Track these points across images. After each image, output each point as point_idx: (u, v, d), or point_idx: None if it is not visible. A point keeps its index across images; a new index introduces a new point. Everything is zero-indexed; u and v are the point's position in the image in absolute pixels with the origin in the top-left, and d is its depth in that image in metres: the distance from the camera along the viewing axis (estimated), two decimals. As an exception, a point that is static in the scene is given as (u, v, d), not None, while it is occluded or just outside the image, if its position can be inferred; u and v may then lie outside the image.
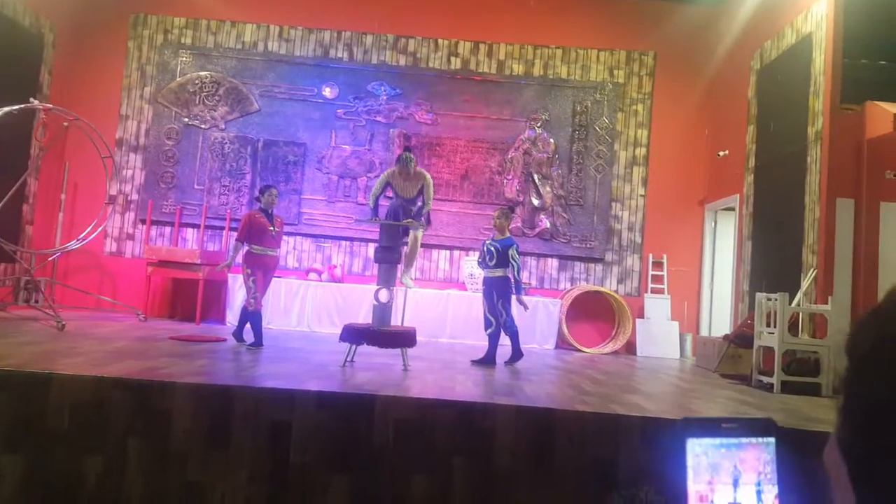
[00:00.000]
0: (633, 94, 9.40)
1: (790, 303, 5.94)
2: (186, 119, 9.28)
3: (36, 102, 7.44)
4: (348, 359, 5.23)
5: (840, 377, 0.55)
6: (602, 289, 8.95)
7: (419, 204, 6.15)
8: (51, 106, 7.81)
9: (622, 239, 9.25)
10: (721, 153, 8.77)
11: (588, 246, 9.19)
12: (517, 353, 6.16)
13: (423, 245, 7.71)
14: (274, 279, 6.73)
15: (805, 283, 6.40)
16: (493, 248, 6.25)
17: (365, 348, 5.36)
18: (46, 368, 3.81)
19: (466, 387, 4.59)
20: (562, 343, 8.59)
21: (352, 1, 9.45)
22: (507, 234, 6.43)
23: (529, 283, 8.72)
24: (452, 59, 9.43)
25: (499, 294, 6.19)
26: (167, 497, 3.56)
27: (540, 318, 8.37)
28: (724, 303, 8.62)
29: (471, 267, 8.38)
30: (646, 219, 9.27)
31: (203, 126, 9.28)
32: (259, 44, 9.43)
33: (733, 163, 8.43)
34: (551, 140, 9.30)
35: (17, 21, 8.18)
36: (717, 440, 0.73)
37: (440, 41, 9.44)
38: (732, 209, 8.57)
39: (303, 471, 3.58)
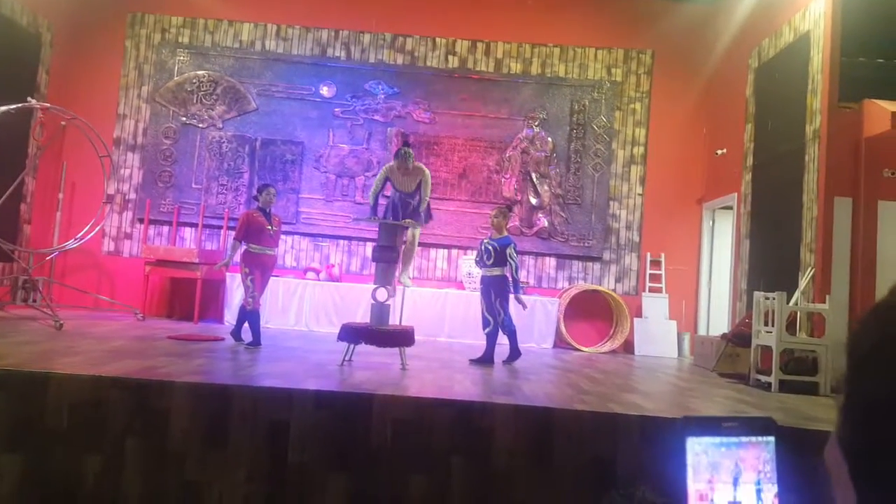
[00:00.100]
0: (631, 92, 9.40)
1: (788, 302, 5.95)
2: (184, 118, 9.26)
3: (33, 102, 7.42)
4: (346, 358, 5.22)
5: (841, 376, 0.54)
6: (600, 288, 8.96)
7: (418, 198, 6.14)
8: (48, 105, 7.79)
9: (620, 238, 9.25)
10: (719, 152, 8.77)
11: (586, 245, 9.19)
12: (515, 353, 6.16)
13: (421, 244, 7.71)
14: (272, 278, 6.72)
15: (803, 282, 6.40)
16: (490, 247, 6.25)
17: (363, 347, 5.35)
18: (44, 368, 3.80)
19: (465, 386, 4.59)
20: (560, 342, 8.60)
21: (349, 0, 9.45)
22: (505, 233, 6.43)
23: (527, 282, 8.73)
24: (450, 57, 9.43)
25: (497, 293, 6.19)
26: (165, 496, 3.55)
27: (538, 317, 8.37)
28: (721, 302, 8.63)
29: (469, 266, 8.38)
30: (644, 218, 9.27)
31: (201, 125, 9.27)
32: (256, 43, 9.42)
33: (731, 161, 8.44)
34: (549, 139, 9.29)
35: (14, 20, 8.16)
36: (717, 439, 0.73)
37: (438, 40, 9.43)
38: (730, 208, 8.57)
39: (301, 470, 3.57)
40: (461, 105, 9.30)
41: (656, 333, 8.73)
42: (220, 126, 9.27)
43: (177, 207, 9.08)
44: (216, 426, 3.62)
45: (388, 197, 6.33)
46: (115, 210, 9.10)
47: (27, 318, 6.77)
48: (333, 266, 8.91)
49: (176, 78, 9.32)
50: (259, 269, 6.20)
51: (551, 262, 9.21)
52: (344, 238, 9.15)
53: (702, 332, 8.75)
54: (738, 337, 6.57)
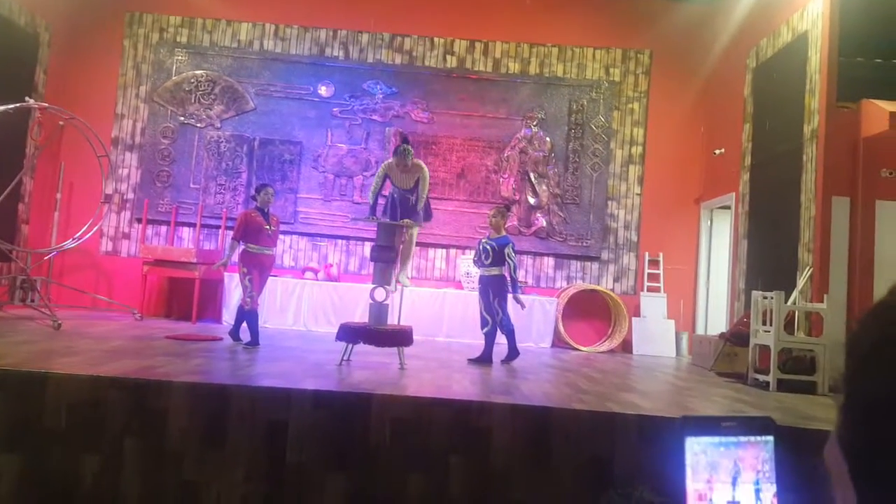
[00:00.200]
0: (630, 92, 9.40)
1: (786, 301, 5.96)
2: (182, 118, 9.25)
3: (31, 101, 7.40)
4: (345, 358, 5.22)
5: (841, 375, 0.54)
6: (598, 287, 8.96)
7: (417, 195, 6.13)
8: (46, 105, 7.78)
9: (618, 237, 9.26)
10: (717, 151, 8.78)
11: (584, 244, 9.20)
12: (513, 352, 6.16)
13: (419, 244, 7.70)
14: (270, 278, 6.71)
15: (801, 282, 6.41)
16: (489, 247, 6.25)
17: (361, 347, 5.35)
18: (43, 368, 3.79)
19: (463, 385, 4.59)
20: (558, 341, 8.60)
21: (347, 0, 9.45)
22: (504, 233, 6.43)
23: (526, 282, 8.73)
24: (448, 57, 9.43)
25: (495, 293, 6.19)
26: (163, 496, 3.55)
27: (536, 316, 8.37)
28: (720, 301, 8.64)
29: (467, 266, 8.38)
30: (642, 217, 9.28)
31: (199, 125, 9.26)
32: (255, 42, 9.41)
33: (729, 161, 8.45)
34: (547, 139, 9.30)
35: (12, 20, 8.15)
36: (716, 439, 0.73)
37: (436, 39, 9.43)
38: (728, 207, 8.58)
39: (299, 470, 3.57)
40: (459, 105, 9.30)
41: (654, 333, 8.73)
42: (219, 126, 9.26)
43: (175, 207, 9.07)
44: (214, 426, 3.62)
45: (386, 196, 6.32)
46: (113, 210, 9.09)
47: (25, 318, 6.76)
48: (332, 266, 8.91)
49: (174, 77, 9.31)
50: (257, 268, 6.20)
51: (549, 261, 9.21)
52: (342, 238, 9.15)
53: (700, 331, 8.76)
54: (737, 336, 6.58)
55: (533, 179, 9.25)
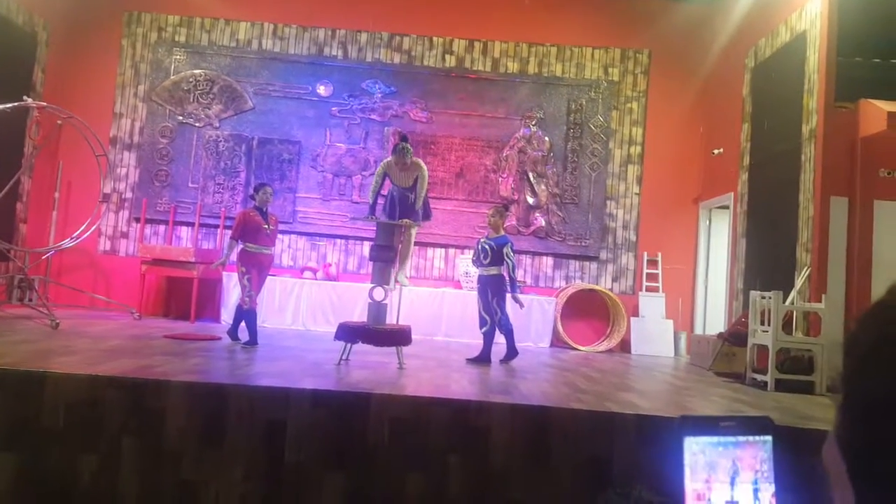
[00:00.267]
0: (628, 92, 9.41)
1: (784, 301, 5.96)
2: (180, 117, 9.24)
3: (29, 101, 7.39)
4: (343, 357, 5.22)
5: (839, 375, 0.54)
6: (597, 287, 8.97)
7: (416, 194, 6.12)
8: (44, 104, 7.77)
9: (617, 237, 9.26)
10: (715, 151, 8.79)
11: (583, 244, 9.20)
12: (512, 352, 6.16)
13: (417, 243, 7.70)
14: (269, 277, 6.71)
15: (799, 282, 6.42)
16: (487, 247, 6.25)
17: (360, 347, 5.35)
18: (41, 367, 3.79)
19: (461, 385, 4.59)
20: (557, 341, 8.60)
21: (347, -2, 9.44)
22: (502, 233, 6.43)
23: (524, 282, 8.73)
24: (447, 56, 9.42)
25: (493, 292, 6.19)
26: (161, 496, 3.55)
27: (535, 316, 8.37)
28: (718, 301, 8.65)
29: (466, 265, 8.38)
30: (640, 217, 9.28)
31: (197, 124, 9.25)
32: (253, 42, 9.40)
33: (728, 161, 8.46)
34: (546, 138, 9.30)
35: (10, 19, 8.13)
36: (715, 438, 0.73)
37: (435, 39, 9.43)
38: (727, 207, 8.59)
39: (298, 469, 3.57)
40: (458, 104, 9.30)
41: (653, 332, 8.74)
42: (217, 125, 9.25)
43: (173, 206, 9.06)
44: (213, 425, 3.61)
45: (384, 196, 6.32)
46: (112, 209, 9.08)
47: (23, 318, 6.75)
48: (330, 265, 8.90)
49: (172, 77, 9.30)
50: (256, 268, 6.19)
51: (548, 261, 9.21)
52: (341, 237, 9.15)
53: (698, 331, 8.77)
54: (735, 336, 6.58)
55: (532, 179, 9.25)
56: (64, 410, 3.59)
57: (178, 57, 9.33)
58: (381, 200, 6.29)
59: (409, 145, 6.06)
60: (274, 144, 9.22)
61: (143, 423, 3.60)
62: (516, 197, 9.22)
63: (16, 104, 7.03)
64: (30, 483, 3.52)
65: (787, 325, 6.03)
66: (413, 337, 5.58)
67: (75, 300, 8.41)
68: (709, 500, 0.72)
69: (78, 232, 8.06)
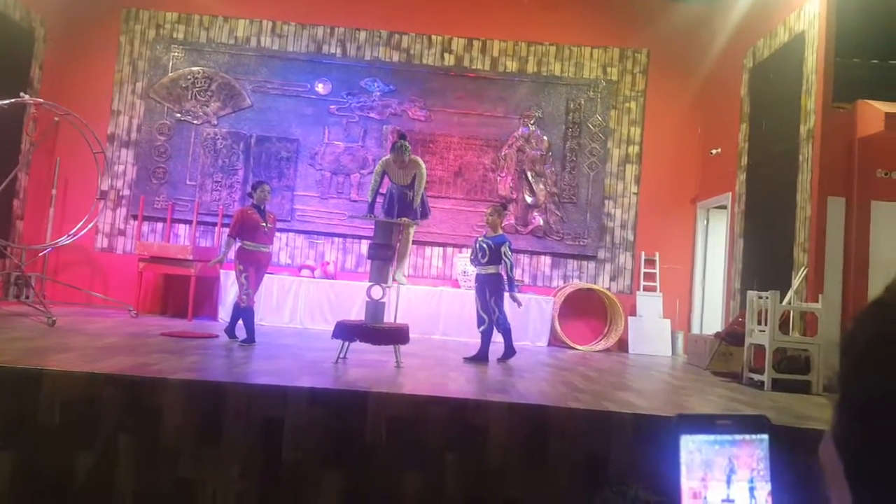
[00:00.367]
0: (627, 91, 9.41)
1: (781, 301, 5.97)
2: (178, 114, 9.22)
3: (26, 97, 7.37)
4: (341, 355, 5.22)
5: (836, 373, 0.55)
6: (594, 286, 8.97)
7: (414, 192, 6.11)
8: (42, 101, 7.74)
9: (615, 237, 9.27)
10: (713, 151, 8.80)
11: (581, 243, 9.21)
12: (510, 351, 6.16)
13: (415, 242, 7.70)
14: (266, 275, 6.70)
15: (796, 282, 6.43)
16: (485, 246, 6.25)
17: (358, 345, 5.35)
18: (37, 364, 3.78)
19: (459, 384, 4.59)
20: (554, 340, 8.61)
21: (345, -4, 9.42)
22: (500, 232, 6.43)
23: (522, 281, 8.73)
24: (446, 55, 9.42)
25: (491, 291, 6.19)
26: (158, 494, 3.54)
27: (533, 315, 8.38)
28: (715, 301, 8.66)
29: (464, 264, 8.38)
30: (638, 216, 9.29)
31: (195, 122, 9.23)
32: (252, 39, 9.38)
33: (726, 161, 8.47)
34: (545, 137, 9.30)
35: (7, 15, 8.11)
36: (711, 437, 0.73)
37: (434, 37, 9.42)
38: (724, 207, 8.60)
39: (295, 467, 3.57)
40: (457, 103, 9.30)
41: (650, 332, 8.75)
42: (215, 123, 9.23)
43: (171, 204, 9.05)
44: (210, 423, 3.61)
45: (383, 194, 6.31)
46: (109, 206, 9.06)
47: (19, 315, 6.73)
48: (328, 263, 8.90)
49: (170, 74, 9.28)
50: (253, 266, 6.19)
51: (546, 260, 9.22)
52: (339, 235, 9.14)
53: (695, 330, 8.78)
54: (732, 336, 6.59)
55: (530, 178, 9.25)
56: (60, 408, 3.58)
57: (176, 54, 9.31)
58: (379, 199, 6.28)
59: (407, 143, 6.05)
60: (272, 142, 9.21)
61: (140, 421, 3.59)
62: (514, 196, 9.22)
63: (13, 101, 7.01)
64: (26, 481, 3.51)
65: (783, 325, 6.04)
66: (411, 336, 5.58)
67: (72, 297, 8.39)
68: (705, 498, 0.72)
69: (75, 229, 8.04)
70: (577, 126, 9.33)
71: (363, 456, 3.58)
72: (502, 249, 6.19)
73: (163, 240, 8.94)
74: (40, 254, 8.36)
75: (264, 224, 6.23)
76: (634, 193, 9.33)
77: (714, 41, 8.92)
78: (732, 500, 0.73)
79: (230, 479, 3.55)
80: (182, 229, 9.11)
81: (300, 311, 8.30)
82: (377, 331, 5.34)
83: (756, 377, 5.86)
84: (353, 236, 9.06)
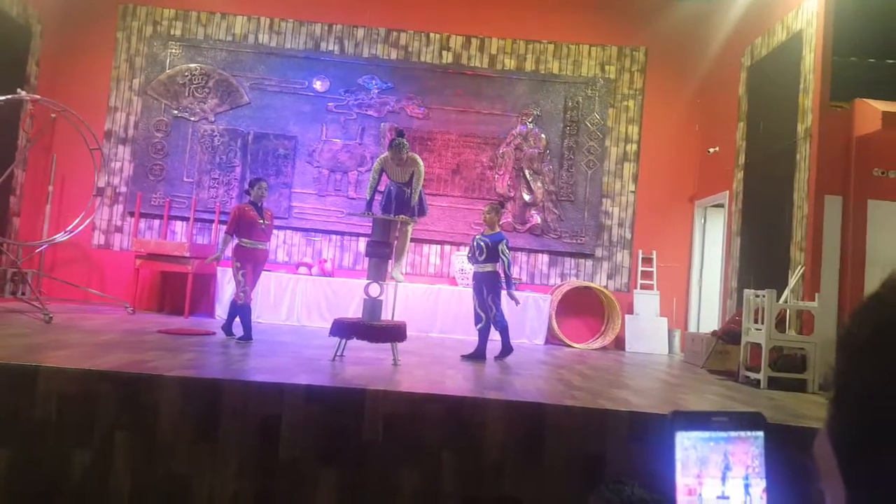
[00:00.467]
0: (625, 89, 9.41)
1: (778, 299, 5.98)
2: (176, 111, 9.20)
3: (23, 93, 7.35)
4: (338, 353, 5.22)
5: (831, 370, 0.54)
6: (592, 284, 8.98)
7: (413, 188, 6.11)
8: (38, 97, 7.72)
9: (612, 235, 9.28)
10: (711, 150, 8.80)
11: (578, 242, 9.21)
12: (507, 348, 6.17)
13: (413, 239, 7.69)
14: (264, 273, 6.69)
15: (793, 280, 6.44)
16: (483, 244, 6.24)
17: (355, 343, 5.35)
18: (33, 361, 3.77)
19: (456, 381, 4.59)
20: (551, 338, 8.62)
21: (343, -6, 9.40)
22: (498, 230, 6.43)
23: (520, 279, 8.74)
24: (444, 53, 9.41)
25: (489, 289, 6.19)
26: (155, 491, 3.54)
27: (530, 313, 8.38)
28: (712, 299, 8.68)
29: (461, 262, 8.38)
30: (636, 215, 9.30)
31: (192, 118, 9.21)
32: (249, 36, 9.36)
33: (723, 159, 8.47)
34: (542, 135, 9.30)
35: (4, 11, 8.07)
36: (707, 433, 0.73)
37: (432, 35, 9.41)
38: (722, 206, 8.61)
39: (292, 465, 3.57)
40: (455, 101, 9.29)
41: (647, 330, 8.76)
42: (212, 119, 9.21)
43: (168, 201, 9.03)
44: (207, 421, 3.61)
45: (381, 192, 6.31)
46: (106, 203, 9.04)
47: (16, 312, 6.72)
48: (326, 261, 8.89)
49: (168, 71, 9.26)
50: (251, 263, 6.18)
51: (544, 258, 9.22)
52: (336, 233, 9.13)
53: (692, 329, 8.79)
54: (728, 334, 6.61)
55: (528, 176, 9.25)
56: (57, 405, 3.58)
57: (173, 51, 9.29)
58: (378, 197, 6.28)
59: (405, 140, 6.05)
60: (269, 139, 9.19)
61: (136, 418, 3.59)
62: (512, 194, 9.22)
63: (9, 97, 6.99)
64: (22, 478, 3.51)
65: (780, 324, 6.06)
66: (408, 333, 5.58)
67: (69, 294, 8.38)
68: (700, 494, 0.72)
69: (72, 226, 8.02)
70: (575, 124, 9.33)
71: (360, 453, 3.58)
72: (500, 247, 6.19)
73: (160, 237, 8.93)
74: (37, 250, 8.34)
75: (262, 221, 6.22)
76: (632, 192, 9.33)
77: (712, 40, 8.92)
78: (727, 497, 0.73)
79: (227, 477, 3.55)
80: (179, 226, 9.09)
81: (297, 309, 8.30)
82: (374, 328, 5.34)
83: (752, 375, 5.88)
84: (351, 234, 9.05)
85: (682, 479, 0.72)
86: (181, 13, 9.33)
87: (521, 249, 9.08)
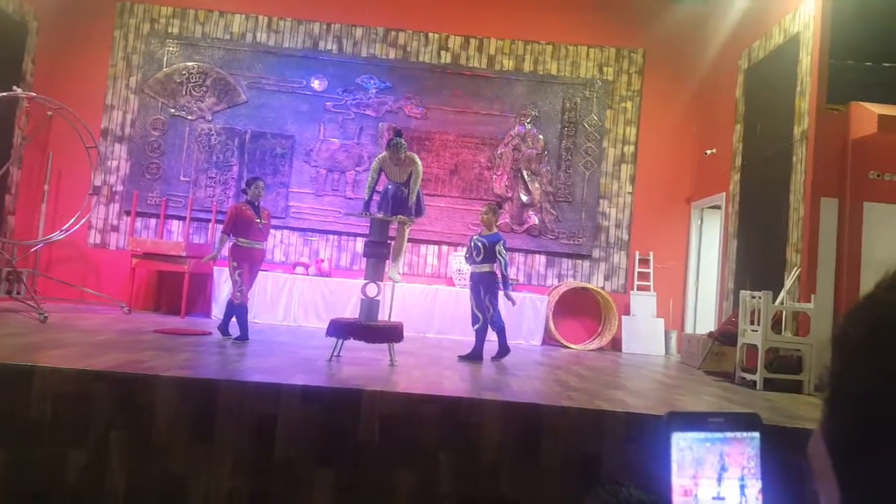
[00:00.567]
0: (623, 91, 9.43)
1: (774, 301, 6.00)
2: (173, 110, 9.18)
3: (19, 91, 7.32)
4: (335, 353, 5.21)
5: (827, 369, 0.55)
6: (589, 285, 8.99)
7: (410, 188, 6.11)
8: (34, 95, 7.69)
9: (609, 236, 9.29)
10: (708, 152, 8.82)
11: (576, 242, 9.22)
12: (504, 349, 6.17)
13: (411, 240, 7.69)
14: (260, 273, 6.68)
15: (789, 282, 6.46)
16: (480, 244, 6.25)
17: (352, 343, 5.34)
18: (29, 361, 3.76)
19: (453, 382, 4.59)
20: (548, 339, 8.62)
21: (341, -7, 9.39)
22: (495, 230, 6.43)
23: (517, 279, 8.74)
24: (442, 53, 9.41)
25: (486, 289, 6.20)
26: (150, 491, 3.53)
27: (527, 314, 8.39)
28: (708, 300, 8.69)
29: (459, 262, 8.38)
30: (633, 216, 9.31)
31: (190, 117, 9.19)
32: (247, 35, 9.35)
33: (720, 161, 8.49)
34: (540, 136, 9.31)
35: (0, 8, 8.04)
36: (703, 434, 0.73)
37: (430, 35, 9.41)
38: (718, 207, 8.63)
39: (288, 465, 3.57)
40: (453, 101, 9.29)
41: (644, 331, 8.77)
42: (210, 118, 9.20)
43: (164, 200, 9.01)
44: (202, 421, 3.60)
45: (379, 192, 6.31)
46: (102, 202, 9.02)
47: (10, 311, 6.69)
48: (323, 261, 8.88)
49: (165, 69, 9.24)
50: (247, 263, 6.17)
51: (541, 259, 9.23)
52: (334, 233, 9.12)
53: (689, 330, 8.81)
54: (725, 335, 6.62)
55: (526, 177, 9.26)
56: (52, 405, 3.56)
57: (170, 49, 9.27)
58: (376, 196, 6.27)
59: (403, 140, 6.04)
60: (267, 139, 9.18)
61: (132, 418, 3.58)
62: (510, 195, 9.22)
63: (5, 94, 6.97)
64: (17, 477, 3.50)
65: (776, 325, 6.07)
66: (405, 334, 5.58)
67: (64, 294, 8.35)
68: (696, 495, 0.72)
69: (67, 225, 8.00)
70: (573, 125, 9.34)
71: (356, 454, 3.57)
72: (497, 248, 6.19)
73: (156, 236, 8.91)
74: (32, 249, 8.31)
75: (259, 221, 6.21)
76: (629, 193, 9.35)
77: (710, 42, 8.94)
78: (723, 498, 0.73)
79: (222, 477, 3.54)
80: (175, 225, 9.07)
81: (294, 309, 8.29)
82: (371, 329, 5.34)
83: (748, 377, 5.89)
84: (348, 234, 9.04)
85: (678, 480, 0.72)
86: (179, 11, 9.31)
87: (519, 250, 9.08)
